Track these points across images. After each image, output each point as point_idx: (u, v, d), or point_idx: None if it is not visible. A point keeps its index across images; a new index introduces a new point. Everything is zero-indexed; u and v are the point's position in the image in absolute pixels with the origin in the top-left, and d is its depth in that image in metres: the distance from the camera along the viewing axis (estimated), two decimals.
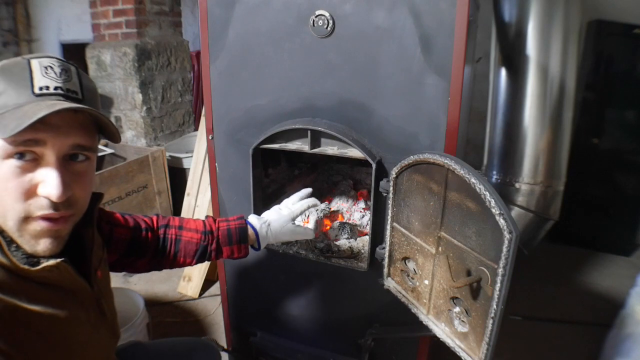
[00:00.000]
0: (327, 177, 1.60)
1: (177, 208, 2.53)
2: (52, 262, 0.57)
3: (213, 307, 1.97)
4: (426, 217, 0.86)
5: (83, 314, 0.65)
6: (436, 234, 0.83)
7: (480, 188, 0.68)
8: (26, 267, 0.55)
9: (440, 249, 0.83)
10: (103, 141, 2.58)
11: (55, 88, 0.56)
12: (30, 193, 0.55)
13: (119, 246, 0.86)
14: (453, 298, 0.80)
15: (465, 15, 0.84)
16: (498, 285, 0.66)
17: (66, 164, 0.57)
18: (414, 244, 0.91)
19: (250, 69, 1.06)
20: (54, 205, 0.56)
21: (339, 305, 1.21)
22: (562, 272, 2.37)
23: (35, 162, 0.55)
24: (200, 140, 2.31)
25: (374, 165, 0.96)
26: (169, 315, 1.94)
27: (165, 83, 2.87)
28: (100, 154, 2.48)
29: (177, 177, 2.59)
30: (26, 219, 0.55)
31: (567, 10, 1.37)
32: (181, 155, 2.61)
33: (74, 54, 2.95)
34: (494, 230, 0.67)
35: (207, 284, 2.11)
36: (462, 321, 0.79)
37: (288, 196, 1.08)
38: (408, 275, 0.96)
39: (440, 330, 0.85)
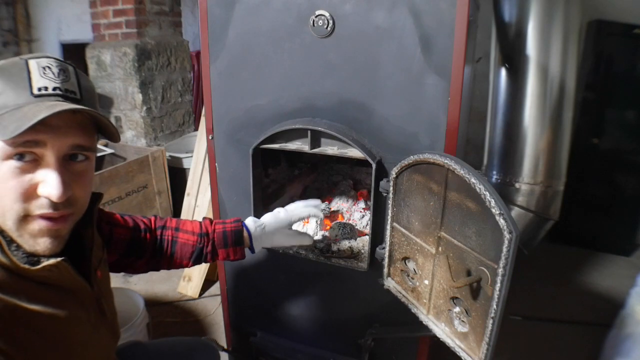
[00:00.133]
0: (327, 177, 1.60)
1: (177, 208, 2.53)
2: (52, 261, 0.57)
3: (213, 307, 1.97)
4: (426, 217, 0.86)
5: (83, 313, 0.65)
6: (436, 234, 0.83)
7: (480, 188, 0.68)
8: (26, 266, 0.55)
9: (440, 249, 0.83)
10: (103, 141, 2.58)
11: (54, 88, 0.56)
12: (29, 193, 0.55)
13: (118, 246, 0.86)
14: (453, 298, 0.80)
15: (465, 15, 0.84)
16: (498, 285, 0.66)
17: (66, 164, 0.57)
18: (414, 244, 0.91)
19: (250, 69, 1.06)
20: (54, 205, 0.56)
21: (339, 305, 1.21)
22: (562, 272, 2.37)
23: (35, 162, 0.55)
24: (200, 140, 2.31)
25: (374, 165, 0.96)
26: (169, 315, 1.94)
27: (165, 83, 2.87)
28: (100, 154, 2.48)
29: (177, 177, 2.59)
30: (25, 217, 0.55)
31: (567, 10, 1.37)
32: (181, 155, 2.61)
33: (74, 54, 2.95)
34: (494, 230, 0.67)
35: (207, 284, 2.11)
36: (462, 321, 0.79)
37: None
38: (408, 275, 0.96)
39: (440, 330, 0.85)
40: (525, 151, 1.46)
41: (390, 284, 1.01)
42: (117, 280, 2.16)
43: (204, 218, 1.00)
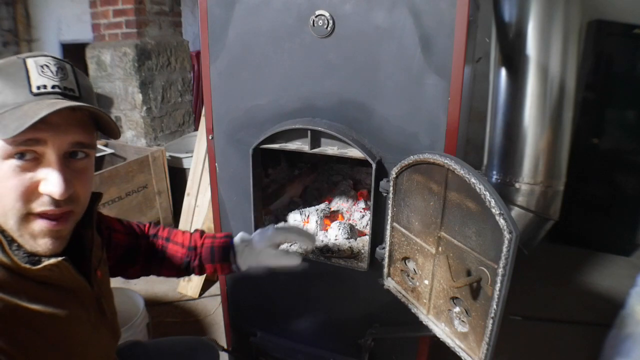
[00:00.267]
0: (327, 177, 1.60)
1: (177, 208, 2.53)
2: (52, 260, 0.57)
3: (213, 307, 1.97)
4: (426, 217, 0.86)
5: (83, 313, 0.65)
6: (436, 234, 0.83)
7: (480, 188, 0.68)
8: (27, 266, 0.55)
9: (440, 249, 0.83)
10: (103, 141, 2.58)
11: (53, 87, 0.56)
12: (31, 192, 0.55)
13: (116, 251, 0.87)
14: (453, 298, 0.80)
15: (465, 15, 0.84)
16: (498, 285, 0.66)
17: (66, 162, 0.58)
18: (414, 244, 0.91)
19: (250, 69, 1.06)
20: (56, 202, 0.56)
21: (339, 305, 1.21)
22: (562, 272, 2.37)
23: (36, 161, 0.55)
24: (200, 140, 2.31)
25: (374, 165, 0.96)
26: (169, 315, 1.94)
27: (165, 83, 2.87)
28: (100, 154, 2.48)
29: (177, 177, 2.59)
30: (27, 217, 0.55)
31: (567, 10, 1.37)
32: (181, 155, 2.61)
33: (74, 54, 2.95)
34: (494, 230, 0.67)
35: (207, 284, 2.11)
36: (462, 321, 0.79)
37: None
38: (408, 275, 0.96)
39: (440, 330, 0.85)
40: (525, 151, 1.46)
41: (390, 284, 1.01)
42: (117, 280, 2.14)
43: (196, 230, 0.98)
